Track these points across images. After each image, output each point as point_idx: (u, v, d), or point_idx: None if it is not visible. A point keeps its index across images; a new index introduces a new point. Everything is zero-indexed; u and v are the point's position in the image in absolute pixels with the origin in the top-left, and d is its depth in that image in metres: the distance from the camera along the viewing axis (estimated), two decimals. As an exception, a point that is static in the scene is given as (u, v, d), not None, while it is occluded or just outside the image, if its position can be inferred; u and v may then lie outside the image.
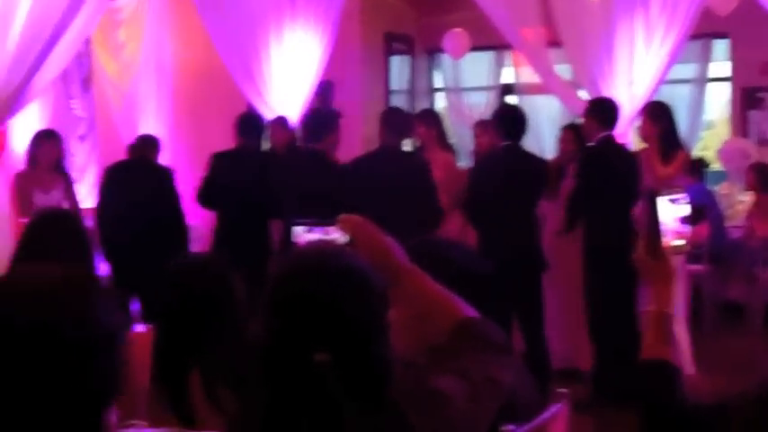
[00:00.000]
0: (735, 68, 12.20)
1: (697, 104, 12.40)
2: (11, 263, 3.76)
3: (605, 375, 7.01)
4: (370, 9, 11.45)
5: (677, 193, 2.59)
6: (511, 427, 2.62)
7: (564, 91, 9.04)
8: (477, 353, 2.13)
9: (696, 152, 12.53)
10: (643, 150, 7.63)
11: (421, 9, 12.42)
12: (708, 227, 8.99)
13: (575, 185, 7.25)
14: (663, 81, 9.05)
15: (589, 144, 7.42)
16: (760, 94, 11.96)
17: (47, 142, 8.31)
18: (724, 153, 11.01)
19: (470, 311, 2.22)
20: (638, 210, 7.09)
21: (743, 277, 9.51)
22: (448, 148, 8.66)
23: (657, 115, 7.52)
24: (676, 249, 2.54)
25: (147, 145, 8.59)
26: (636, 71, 8.53)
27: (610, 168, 7.08)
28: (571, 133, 8.21)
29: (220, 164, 7.80)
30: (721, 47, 12.23)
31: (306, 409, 1.89)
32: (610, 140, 7.26)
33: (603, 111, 7.35)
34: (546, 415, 2.86)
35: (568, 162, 7.91)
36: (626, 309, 7.03)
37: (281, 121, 9.07)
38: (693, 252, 8.96)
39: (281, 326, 1.95)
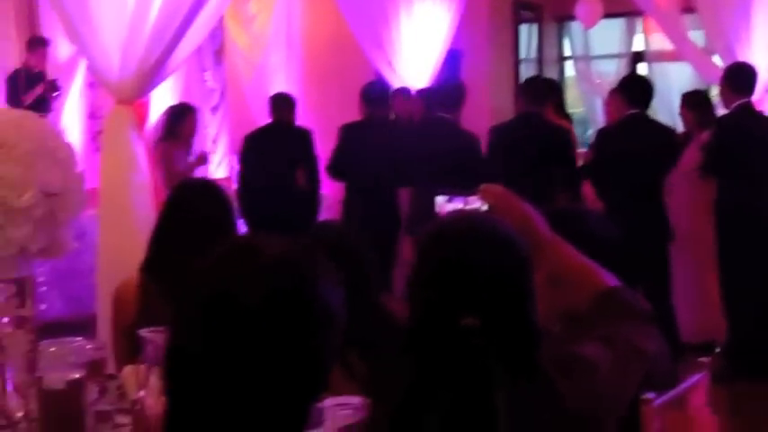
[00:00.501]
0: None
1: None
2: (155, 232, 3.83)
3: (740, 347, 6.90)
4: (498, -24, 11.38)
5: None
6: (652, 395, 2.62)
7: (698, 58, 8.84)
8: (621, 322, 2.12)
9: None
10: None
11: (552, -24, 12.30)
12: None
13: (707, 152, 7.13)
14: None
15: (726, 111, 7.29)
16: None
17: (191, 116, 8.57)
18: None
19: (613, 281, 2.21)
20: None
21: None
22: (565, 117, 8.61)
23: None
24: None
25: (284, 104, 8.71)
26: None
27: (746, 135, 6.94)
28: (685, 103, 8.06)
29: (350, 135, 7.89)
30: None
31: (455, 377, 1.89)
32: (747, 107, 7.10)
33: (740, 77, 7.18)
34: (687, 384, 2.85)
35: (692, 130, 7.80)
36: (762, 277, 6.90)
37: (404, 92, 9.11)
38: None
39: (431, 294, 1.97)
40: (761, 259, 6.86)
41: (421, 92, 8.88)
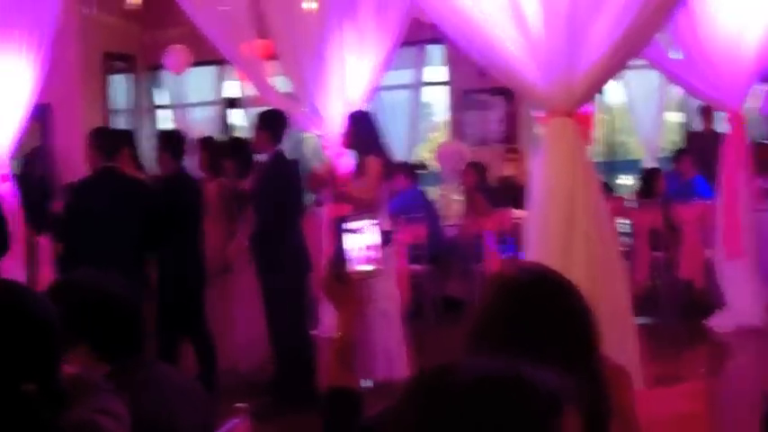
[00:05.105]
0: (452, 72, 12.66)
1: (415, 109, 12.82)
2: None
3: (283, 381, 7.01)
4: (88, 28, 11.25)
5: (365, 218, 2.64)
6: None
7: (283, 103, 9.01)
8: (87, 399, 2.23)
9: (420, 155, 13.00)
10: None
11: (143, 26, 12.28)
12: (425, 228, 9.31)
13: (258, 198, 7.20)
14: (378, 88, 9.26)
15: (263, 157, 7.29)
16: (476, 96, 12.43)
17: None
18: (440, 155, 11.40)
19: None
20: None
21: (460, 273, 9.88)
22: (140, 168, 8.61)
23: (352, 123, 7.40)
24: (364, 274, 2.60)
25: None
26: (349, 80, 8.67)
27: (285, 182, 7.06)
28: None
29: None
30: (439, 52, 12.66)
31: None
32: (280, 154, 7.12)
33: (275, 123, 7.19)
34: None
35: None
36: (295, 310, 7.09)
37: None
38: (414, 253, 9.28)
39: None
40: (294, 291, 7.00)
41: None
